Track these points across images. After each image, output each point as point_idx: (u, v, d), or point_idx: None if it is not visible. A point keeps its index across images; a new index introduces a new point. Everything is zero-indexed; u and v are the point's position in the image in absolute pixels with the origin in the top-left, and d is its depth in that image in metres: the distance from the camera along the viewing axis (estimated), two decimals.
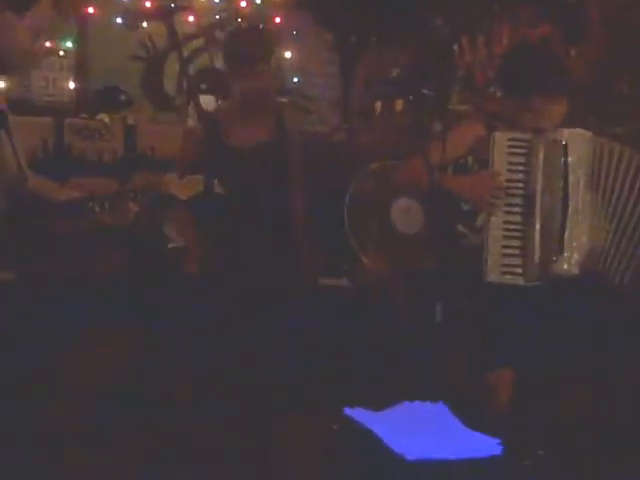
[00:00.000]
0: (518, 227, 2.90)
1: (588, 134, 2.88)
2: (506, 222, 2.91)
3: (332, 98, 6.34)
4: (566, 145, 2.83)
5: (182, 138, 3.66)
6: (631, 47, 4.59)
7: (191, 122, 4.82)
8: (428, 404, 2.35)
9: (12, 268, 2.28)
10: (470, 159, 3.07)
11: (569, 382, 2.75)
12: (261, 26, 3.61)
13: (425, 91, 4.80)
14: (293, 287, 3.43)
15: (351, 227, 4.45)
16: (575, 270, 2.82)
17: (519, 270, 2.88)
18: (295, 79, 6.20)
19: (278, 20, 5.87)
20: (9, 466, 2.35)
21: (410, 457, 2.04)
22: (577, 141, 2.85)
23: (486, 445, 2.16)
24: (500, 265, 2.89)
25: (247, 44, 3.42)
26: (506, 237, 2.90)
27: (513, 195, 2.90)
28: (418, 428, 2.23)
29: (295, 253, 3.48)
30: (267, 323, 3.31)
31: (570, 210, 2.82)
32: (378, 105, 5.82)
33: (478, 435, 2.22)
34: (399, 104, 5.46)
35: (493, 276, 2.89)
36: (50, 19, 2.35)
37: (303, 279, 3.52)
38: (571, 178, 2.83)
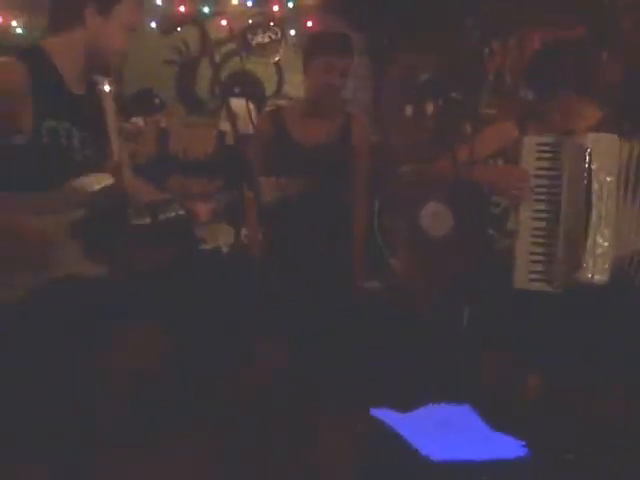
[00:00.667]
0: (545, 233, 2.88)
1: (614, 138, 2.82)
2: (534, 228, 2.90)
3: (363, 100, 6.36)
4: (590, 150, 2.79)
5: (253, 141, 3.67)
6: None
7: (223, 125, 4.88)
8: (454, 406, 2.37)
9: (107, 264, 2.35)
10: (500, 161, 3.07)
11: (599, 385, 2.74)
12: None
13: (454, 95, 4.80)
14: (343, 289, 3.43)
15: (381, 230, 4.49)
16: (599, 278, 2.78)
17: (546, 277, 2.86)
18: None
19: (310, 24, 5.91)
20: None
21: (435, 458, 2.06)
22: (602, 146, 2.80)
23: (512, 447, 2.17)
24: (527, 272, 2.88)
25: (339, 39, 3.36)
26: (534, 243, 2.89)
27: (541, 200, 2.89)
28: (444, 429, 2.25)
29: (347, 257, 3.48)
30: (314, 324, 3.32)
31: (594, 217, 2.78)
32: (409, 108, 5.85)
33: (504, 437, 2.23)
34: (429, 107, 5.47)
35: (520, 283, 2.89)
36: (136, 15, 2.42)
37: (353, 282, 3.52)
38: (595, 184, 2.79)
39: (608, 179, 2.80)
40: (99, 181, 2.38)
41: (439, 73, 5.38)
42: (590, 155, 2.79)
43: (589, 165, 2.79)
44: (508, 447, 2.18)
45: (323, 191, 3.37)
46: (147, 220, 2.45)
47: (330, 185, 3.39)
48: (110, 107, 2.59)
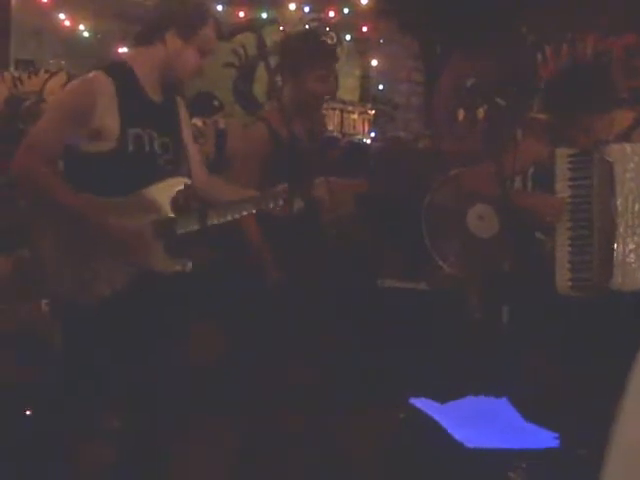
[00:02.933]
0: (581, 242, 2.95)
1: (637, 147, 2.87)
2: (571, 238, 2.97)
3: (417, 105, 6.43)
4: (612, 161, 2.85)
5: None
6: None
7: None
8: (492, 398, 2.48)
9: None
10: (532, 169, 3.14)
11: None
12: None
13: (498, 100, 4.85)
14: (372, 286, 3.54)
15: (428, 231, 4.57)
16: (629, 286, 2.84)
17: (584, 284, 2.93)
18: (381, 86, 6.33)
19: (365, 29, 6.01)
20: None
21: (471, 445, 2.17)
22: (624, 156, 2.86)
23: (544, 438, 2.27)
24: (567, 280, 2.96)
25: (309, 49, 3.50)
26: (571, 252, 2.96)
27: (575, 211, 2.96)
28: (481, 420, 2.36)
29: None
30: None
31: (620, 227, 2.84)
32: (461, 113, 5.91)
33: (538, 429, 2.34)
34: (480, 112, 5.54)
35: (562, 289, 2.97)
36: (213, 42, 2.62)
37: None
38: (619, 194, 2.85)
39: (633, 189, 2.85)
40: (178, 184, 2.55)
41: (485, 79, 5.44)
42: (613, 166, 2.85)
43: (612, 176, 2.85)
44: (542, 438, 2.29)
45: None
46: (227, 219, 2.58)
47: None
48: (185, 114, 2.77)
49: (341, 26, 5.94)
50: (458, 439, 2.19)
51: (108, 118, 2.43)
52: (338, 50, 5.93)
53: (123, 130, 2.44)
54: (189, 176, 2.63)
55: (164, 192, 2.52)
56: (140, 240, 2.44)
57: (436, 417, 2.31)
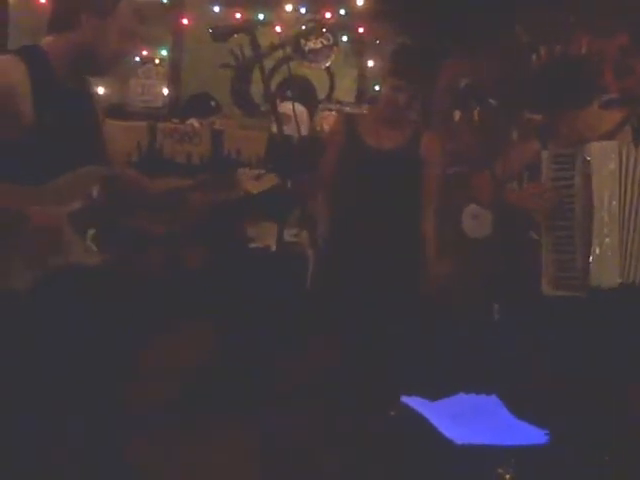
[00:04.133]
0: (565, 241, 2.99)
1: (614, 145, 2.90)
2: (556, 237, 3.02)
3: (414, 106, 6.44)
4: (590, 160, 2.90)
5: (326, 141, 3.92)
6: None
7: (274, 128, 5.04)
8: (482, 396, 2.51)
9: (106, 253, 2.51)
10: (527, 174, 3.19)
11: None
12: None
13: (491, 101, 4.89)
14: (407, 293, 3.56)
15: None
16: (606, 283, 2.87)
17: (569, 283, 2.97)
18: (377, 87, 6.35)
19: (361, 30, 6.04)
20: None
21: (460, 441, 2.20)
22: (603, 154, 2.90)
23: (534, 434, 2.30)
24: (552, 278, 3.00)
25: (408, 62, 3.66)
26: (556, 252, 3.01)
27: (559, 210, 3.00)
28: (471, 417, 2.39)
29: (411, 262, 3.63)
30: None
31: (599, 224, 2.88)
32: (457, 113, 5.94)
33: (527, 426, 2.37)
34: (472, 113, 5.57)
35: (547, 289, 3.02)
36: (132, 20, 2.59)
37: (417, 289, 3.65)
38: (596, 192, 2.89)
39: (609, 187, 2.89)
40: (96, 173, 2.51)
41: (479, 79, 5.47)
42: (591, 164, 2.90)
43: (590, 173, 2.90)
44: (531, 435, 2.32)
45: (388, 195, 3.58)
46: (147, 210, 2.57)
47: (395, 190, 3.61)
48: (98, 104, 2.73)
49: (337, 27, 5.98)
50: (448, 436, 2.22)
51: (21, 103, 2.37)
52: (334, 50, 6.00)
53: (37, 116, 2.38)
54: (106, 164, 2.58)
55: (81, 181, 2.47)
56: (58, 229, 2.37)
57: (426, 415, 2.34)
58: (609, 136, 3.00)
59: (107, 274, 2.53)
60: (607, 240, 2.88)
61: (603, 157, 2.90)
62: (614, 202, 2.89)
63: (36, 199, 2.37)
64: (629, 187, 2.90)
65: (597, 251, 2.88)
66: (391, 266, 3.56)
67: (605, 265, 2.88)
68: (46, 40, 2.55)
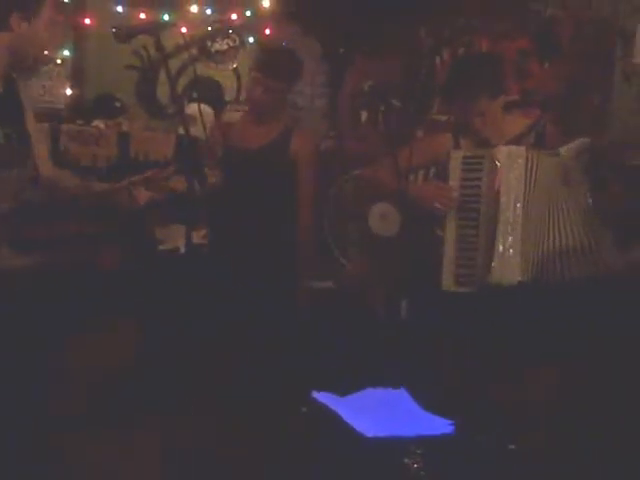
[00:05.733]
0: (468, 240, 3.09)
1: (522, 150, 3.03)
2: (459, 235, 3.12)
3: (320, 107, 6.51)
4: (499, 163, 3.01)
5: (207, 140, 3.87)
6: (601, 61, 4.81)
7: (181, 129, 5.01)
8: (390, 390, 2.56)
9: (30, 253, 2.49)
10: (432, 169, 3.28)
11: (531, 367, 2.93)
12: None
13: (394, 101, 5.00)
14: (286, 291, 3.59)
15: (331, 231, 4.66)
16: (507, 280, 2.97)
17: (468, 280, 3.07)
18: None
19: (268, 31, 6.07)
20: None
21: (369, 434, 2.25)
22: (511, 158, 3.01)
23: (440, 425, 2.37)
24: (453, 275, 3.10)
25: (277, 61, 3.63)
26: (458, 249, 3.11)
27: (465, 210, 3.11)
28: (380, 410, 2.44)
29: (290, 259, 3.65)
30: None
31: (501, 225, 2.99)
32: (364, 114, 6.03)
33: (434, 417, 2.43)
34: (376, 113, 5.67)
35: (447, 285, 3.12)
36: (58, 12, 2.57)
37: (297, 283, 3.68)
38: (504, 193, 3.00)
39: (515, 189, 3.00)
40: (23, 174, 2.50)
41: (382, 80, 5.58)
42: (498, 168, 3.01)
43: (497, 175, 3.01)
44: (437, 425, 2.38)
45: (262, 194, 3.58)
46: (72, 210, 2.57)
47: (270, 189, 3.60)
48: (28, 103, 2.71)
49: (244, 28, 5.99)
50: (357, 429, 2.26)
51: None
52: (240, 52, 6.01)
53: None
54: (34, 167, 2.57)
55: (7, 184, 2.46)
56: None
57: (337, 410, 2.38)
58: (516, 141, 3.12)
59: (29, 275, 2.50)
60: (510, 239, 2.98)
61: (511, 161, 3.01)
62: (518, 204, 3.00)
63: None
64: (533, 190, 3.01)
65: (500, 249, 2.98)
66: (266, 267, 3.56)
67: (507, 263, 2.98)
68: None
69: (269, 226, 3.63)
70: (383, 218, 4.30)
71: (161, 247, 4.69)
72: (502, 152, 3.03)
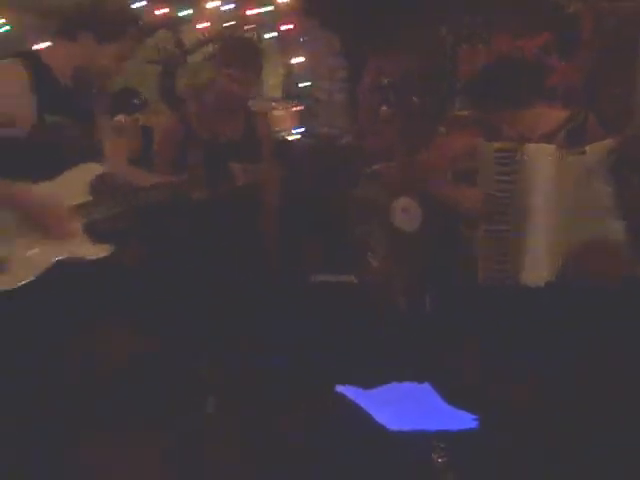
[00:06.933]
0: (500, 235, 3.05)
1: (551, 148, 2.99)
2: (492, 231, 3.06)
3: (340, 102, 6.51)
4: (528, 160, 2.97)
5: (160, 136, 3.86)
6: (624, 55, 4.76)
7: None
8: (414, 384, 2.56)
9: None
10: (465, 167, 3.22)
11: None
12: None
13: (414, 98, 4.97)
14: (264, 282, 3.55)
15: (354, 226, 4.65)
16: (538, 278, 2.95)
17: (501, 275, 3.03)
18: (302, 84, 6.39)
19: (285, 27, 6.06)
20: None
21: (393, 427, 2.25)
22: (541, 156, 2.98)
23: (464, 420, 2.37)
24: (486, 271, 3.05)
25: (239, 52, 3.57)
26: (491, 246, 3.06)
27: (497, 205, 3.05)
28: (404, 404, 2.44)
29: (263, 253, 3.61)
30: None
31: (530, 223, 2.97)
32: (384, 109, 6.01)
33: (458, 411, 2.43)
34: (399, 110, 5.65)
35: (481, 280, 3.06)
36: (129, 52, 2.65)
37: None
38: (534, 192, 2.97)
39: (545, 187, 2.97)
40: (95, 170, 2.57)
41: (403, 77, 5.57)
42: (528, 165, 2.97)
43: (527, 173, 2.98)
44: (461, 420, 2.38)
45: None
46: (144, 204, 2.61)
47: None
48: (100, 103, 2.78)
49: (261, 24, 5.98)
50: (381, 422, 2.26)
51: (22, 105, 2.42)
52: (259, 47, 6.00)
53: (37, 117, 2.44)
54: (105, 162, 2.63)
55: (80, 178, 2.53)
56: (60, 222, 2.44)
57: (361, 403, 2.39)
58: (548, 138, 3.06)
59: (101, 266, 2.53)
60: (540, 239, 2.96)
61: (540, 159, 2.98)
62: (549, 203, 2.97)
63: (39, 195, 2.43)
64: (560, 187, 2.98)
65: (530, 249, 2.96)
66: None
67: (536, 263, 2.96)
68: (48, 47, 2.63)
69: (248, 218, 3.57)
70: (406, 212, 4.27)
71: None
72: (531, 149, 2.99)
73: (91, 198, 2.54)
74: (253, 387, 3.24)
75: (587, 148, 2.98)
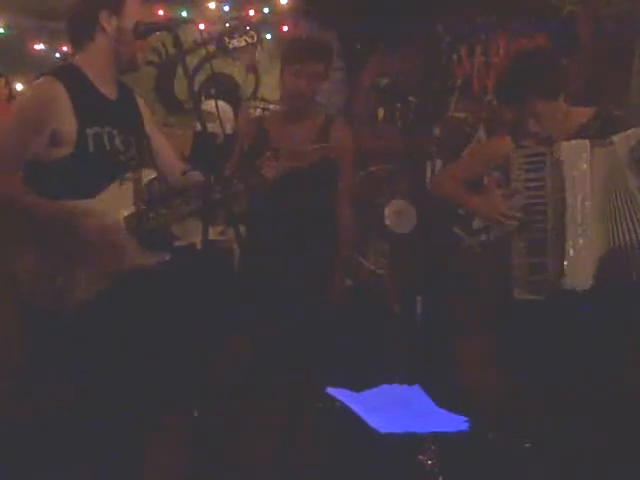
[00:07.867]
0: (537, 244, 2.93)
1: (584, 144, 2.87)
2: (527, 240, 2.95)
3: (338, 103, 6.51)
4: (562, 159, 2.87)
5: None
6: (621, 58, 4.76)
7: (198, 125, 5.02)
8: (405, 386, 2.57)
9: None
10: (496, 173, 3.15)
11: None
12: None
13: (411, 98, 4.97)
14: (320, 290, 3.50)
15: None
16: (580, 284, 2.84)
17: (540, 286, 2.91)
18: None
19: (285, 28, 6.07)
20: None
21: (384, 430, 2.26)
22: (575, 153, 2.87)
23: (454, 422, 2.37)
24: (524, 282, 2.94)
25: (310, 45, 3.52)
26: (528, 255, 2.94)
27: (531, 212, 2.95)
28: (395, 407, 2.45)
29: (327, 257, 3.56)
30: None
31: (572, 226, 2.85)
32: (381, 111, 6.02)
33: (448, 414, 2.44)
34: (397, 110, 5.66)
35: (518, 293, 2.94)
36: (145, 8, 2.67)
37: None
38: (570, 192, 2.86)
39: (582, 186, 2.86)
40: (149, 175, 2.58)
41: (401, 78, 5.57)
42: (563, 164, 2.86)
43: (562, 174, 2.87)
44: (452, 422, 2.38)
45: (305, 192, 3.50)
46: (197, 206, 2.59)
47: (312, 187, 3.46)
48: (144, 106, 2.78)
49: (261, 25, 5.99)
50: (372, 425, 2.27)
51: (64, 122, 2.44)
52: (258, 48, 6.01)
53: (81, 132, 2.45)
54: (156, 168, 2.64)
55: (128, 188, 2.53)
56: (112, 237, 2.45)
57: (352, 405, 2.39)
58: (576, 135, 2.95)
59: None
60: (581, 241, 2.85)
61: (575, 156, 2.87)
62: (587, 202, 2.86)
63: (88, 212, 2.43)
64: (601, 186, 2.87)
65: (571, 253, 2.85)
66: (302, 265, 3.48)
67: (579, 267, 2.85)
68: (76, 58, 2.61)
69: (308, 222, 3.53)
70: (399, 215, 4.29)
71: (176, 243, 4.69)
72: (564, 147, 2.87)
73: (143, 206, 2.53)
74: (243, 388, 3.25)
75: (614, 138, 2.85)
